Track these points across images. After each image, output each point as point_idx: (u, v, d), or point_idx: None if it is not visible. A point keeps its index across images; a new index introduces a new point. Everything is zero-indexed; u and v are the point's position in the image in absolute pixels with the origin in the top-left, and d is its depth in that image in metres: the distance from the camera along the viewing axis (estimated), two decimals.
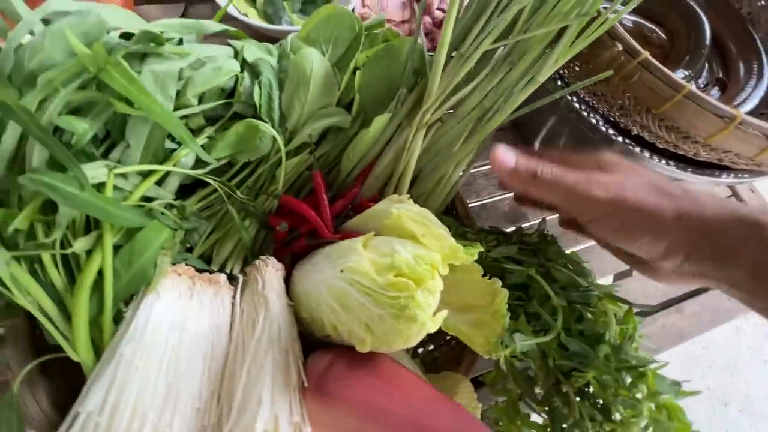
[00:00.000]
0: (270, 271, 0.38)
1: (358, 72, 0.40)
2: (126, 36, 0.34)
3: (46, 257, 0.29)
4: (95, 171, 0.29)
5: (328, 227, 0.41)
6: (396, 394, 0.30)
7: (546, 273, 0.36)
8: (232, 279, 0.40)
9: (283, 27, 0.58)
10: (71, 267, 0.31)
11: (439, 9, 0.62)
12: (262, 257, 0.39)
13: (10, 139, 0.27)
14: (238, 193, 0.40)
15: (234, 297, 0.38)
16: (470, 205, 0.57)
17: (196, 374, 0.33)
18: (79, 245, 0.29)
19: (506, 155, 0.31)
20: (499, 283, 0.32)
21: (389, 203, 0.38)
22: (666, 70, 0.32)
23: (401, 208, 0.35)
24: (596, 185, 0.28)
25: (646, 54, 0.32)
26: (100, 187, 0.30)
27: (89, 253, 0.31)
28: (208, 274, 0.37)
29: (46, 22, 0.29)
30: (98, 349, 0.32)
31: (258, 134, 0.38)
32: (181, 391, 0.31)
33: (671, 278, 0.29)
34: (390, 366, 0.33)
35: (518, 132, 0.63)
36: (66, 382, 0.34)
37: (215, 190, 0.40)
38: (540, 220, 0.43)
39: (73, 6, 0.28)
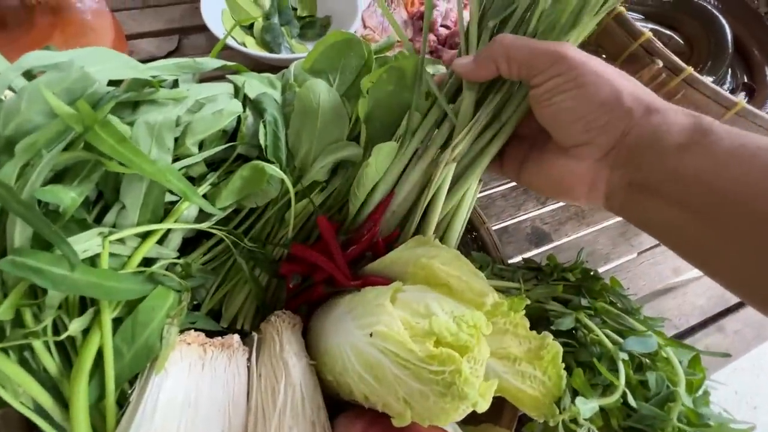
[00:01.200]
0: (287, 327, 0.35)
1: (361, 99, 0.36)
2: (116, 81, 0.31)
3: (36, 345, 0.26)
4: (88, 242, 0.26)
5: (345, 274, 0.37)
6: None
7: (594, 315, 0.33)
8: (244, 336, 0.36)
9: (284, 55, 0.55)
10: (66, 349, 0.28)
11: (443, 26, 0.59)
12: (277, 312, 0.36)
13: None
14: (246, 241, 0.37)
15: (249, 359, 0.34)
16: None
17: None
18: (75, 326, 0.26)
19: (464, 59, 0.32)
20: (550, 337, 0.28)
21: (415, 246, 0.35)
22: (714, 86, 0.29)
23: (431, 256, 0.31)
24: (562, 45, 0.28)
25: (689, 70, 0.29)
26: (94, 258, 0.26)
27: (86, 332, 0.27)
28: (220, 338, 0.33)
29: (28, 75, 0.26)
30: None
31: (265, 177, 0.34)
32: None
33: (573, 180, 0.29)
34: None
35: None
36: None
37: (221, 241, 0.37)
38: (578, 252, 0.40)
39: (52, 59, 0.25)
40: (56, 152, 0.24)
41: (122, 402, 0.29)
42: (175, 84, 0.34)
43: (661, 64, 0.30)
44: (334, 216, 0.41)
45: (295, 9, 0.62)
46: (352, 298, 0.34)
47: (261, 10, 0.60)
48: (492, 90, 0.33)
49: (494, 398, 0.41)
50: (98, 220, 0.29)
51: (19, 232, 0.24)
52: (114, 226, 0.29)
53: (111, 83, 0.31)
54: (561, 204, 0.57)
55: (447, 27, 0.59)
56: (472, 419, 0.37)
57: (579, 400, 0.27)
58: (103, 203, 0.29)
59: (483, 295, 0.27)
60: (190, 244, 0.36)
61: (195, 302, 0.37)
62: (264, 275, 0.39)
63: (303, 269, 0.38)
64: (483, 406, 0.23)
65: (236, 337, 0.35)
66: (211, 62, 0.36)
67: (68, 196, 0.24)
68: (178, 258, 0.33)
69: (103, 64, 0.28)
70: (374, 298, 0.31)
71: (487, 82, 0.33)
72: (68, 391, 0.27)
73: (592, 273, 0.37)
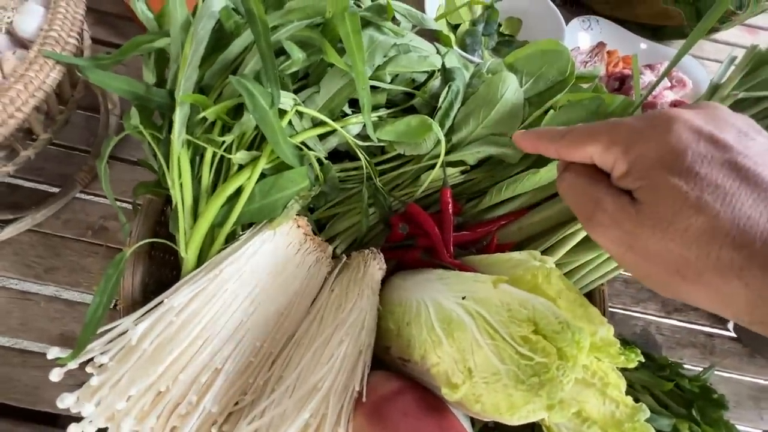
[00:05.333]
0: (374, 265, 0.35)
1: (550, 112, 0.37)
2: None
3: (207, 155, 0.31)
4: (284, 99, 0.30)
5: (448, 250, 0.37)
6: None
7: None
8: (334, 256, 0.38)
9: (475, 59, 0.59)
10: (218, 178, 0.32)
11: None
12: (373, 248, 0.37)
13: (237, 47, 0.30)
14: (377, 180, 0.39)
15: (330, 273, 0.36)
16: None
17: (265, 328, 0.31)
18: (240, 156, 0.30)
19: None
20: (647, 413, 0.24)
21: (528, 256, 0.33)
22: None
23: (548, 267, 0.30)
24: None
25: None
26: (281, 114, 0.31)
27: (239, 169, 0.32)
28: (319, 238, 0.36)
29: None
30: (201, 256, 0.32)
31: (427, 132, 0.36)
32: (246, 337, 0.30)
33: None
34: (461, 430, 0.27)
35: None
36: (159, 273, 0.35)
37: (356, 169, 0.40)
38: (703, 369, 0.34)
39: None
40: (302, 24, 0.29)
41: (228, 240, 0.33)
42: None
43: None
44: (460, 201, 0.41)
45: (500, 25, 0.66)
46: (444, 273, 0.34)
47: (471, 16, 0.66)
48: None
49: None
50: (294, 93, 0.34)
51: (252, 64, 0.29)
52: (303, 102, 0.33)
53: None
54: (690, 324, 0.49)
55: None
56: None
57: None
58: (302, 84, 0.34)
59: (596, 323, 0.24)
60: (332, 158, 0.40)
61: (310, 206, 0.40)
62: (375, 217, 0.40)
63: (410, 229, 0.39)
64: (558, 417, 0.20)
65: (330, 248, 0.37)
66: (431, 23, 0.40)
67: (299, 54, 0.29)
68: (325, 158, 0.36)
69: None
70: (472, 277, 0.30)
71: None
72: (203, 204, 0.32)
73: (715, 396, 0.30)
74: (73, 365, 0.27)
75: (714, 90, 0.31)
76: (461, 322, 0.25)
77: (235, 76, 0.28)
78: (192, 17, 0.31)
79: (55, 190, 0.46)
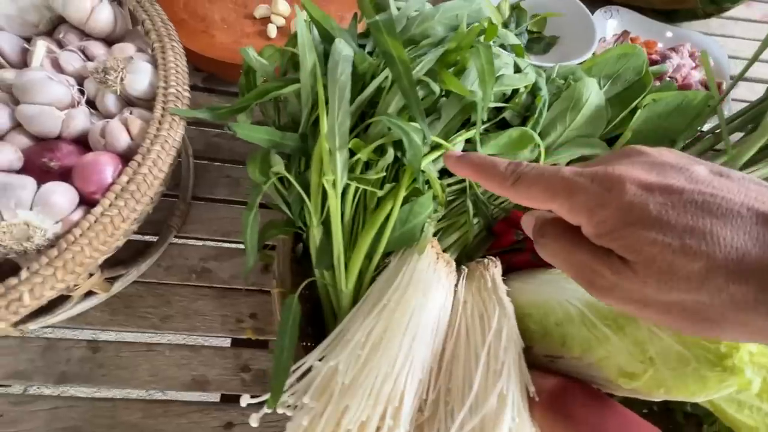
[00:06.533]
0: (497, 273, 0.38)
1: (639, 111, 0.40)
2: None
3: (350, 191, 0.33)
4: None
5: None
6: None
7: None
8: None
9: (548, 64, 0.61)
10: (356, 211, 0.34)
11: (671, 77, 0.61)
12: (491, 257, 0.39)
13: (372, 87, 0.31)
14: (479, 191, 0.41)
15: (456, 285, 0.38)
16: None
17: (427, 346, 0.33)
18: (385, 188, 0.32)
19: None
20: None
21: None
22: None
23: None
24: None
25: None
26: None
27: (378, 202, 0.34)
28: (447, 255, 0.38)
29: None
30: (356, 288, 0.33)
31: (528, 143, 0.39)
32: (415, 357, 0.32)
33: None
34: (636, 417, 0.30)
35: None
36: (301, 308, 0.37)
37: (457, 182, 0.42)
38: None
39: None
40: (435, 58, 0.31)
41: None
42: None
43: None
44: None
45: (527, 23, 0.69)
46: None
47: (501, 18, 0.68)
48: None
49: None
50: None
51: (395, 102, 0.31)
52: None
53: None
54: None
55: (674, 80, 0.61)
56: None
57: None
58: None
59: None
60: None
61: None
62: (479, 226, 0.43)
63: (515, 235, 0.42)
64: (755, 388, 0.24)
65: (453, 262, 0.39)
66: (513, 38, 0.42)
67: (437, 88, 0.31)
68: (439, 178, 0.38)
69: (485, 10, 0.35)
70: None
71: None
72: (347, 238, 0.33)
73: None
74: (268, 409, 0.29)
75: None
76: (629, 318, 0.28)
77: (387, 117, 0.29)
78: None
79: (148, 238, 0.46)
